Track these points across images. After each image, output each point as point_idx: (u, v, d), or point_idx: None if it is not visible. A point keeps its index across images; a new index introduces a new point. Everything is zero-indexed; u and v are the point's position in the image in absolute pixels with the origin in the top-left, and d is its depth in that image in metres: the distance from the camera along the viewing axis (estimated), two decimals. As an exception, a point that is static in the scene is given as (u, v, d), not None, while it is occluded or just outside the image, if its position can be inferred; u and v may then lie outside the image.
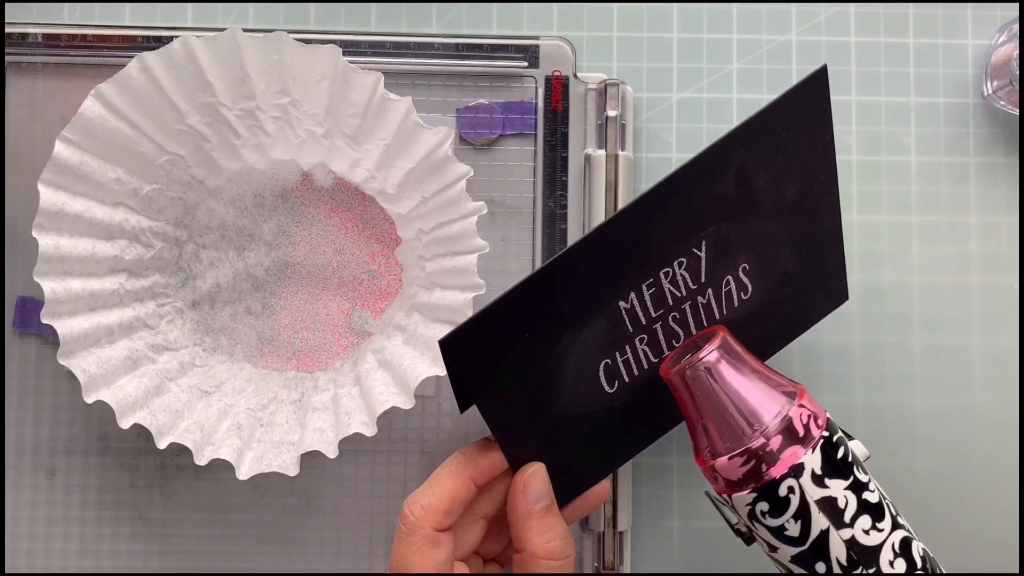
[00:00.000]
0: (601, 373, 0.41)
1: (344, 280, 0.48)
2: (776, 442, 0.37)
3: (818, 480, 0.37)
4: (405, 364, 0.44)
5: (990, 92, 0.50)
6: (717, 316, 0.42)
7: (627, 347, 0.41)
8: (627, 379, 0.41)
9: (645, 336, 0.41)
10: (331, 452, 0.43)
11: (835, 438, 0.39)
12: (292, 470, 0.43)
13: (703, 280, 0.41)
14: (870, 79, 0.51)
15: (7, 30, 0.48)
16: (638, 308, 0.40)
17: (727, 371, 0.38)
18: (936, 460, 0.49)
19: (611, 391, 0.41)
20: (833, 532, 0.37)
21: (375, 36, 0.48)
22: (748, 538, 0.40)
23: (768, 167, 0.41)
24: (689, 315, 0.41)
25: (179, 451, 0.46)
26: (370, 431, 0.43)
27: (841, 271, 0.45)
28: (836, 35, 0.51)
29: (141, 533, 0.48)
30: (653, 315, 0.41)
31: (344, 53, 0.47)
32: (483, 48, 0.49)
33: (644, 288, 0.40)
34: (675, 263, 0.40)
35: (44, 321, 0.42)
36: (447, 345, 0.38)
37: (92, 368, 0.43)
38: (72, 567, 0.47)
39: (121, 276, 0.45)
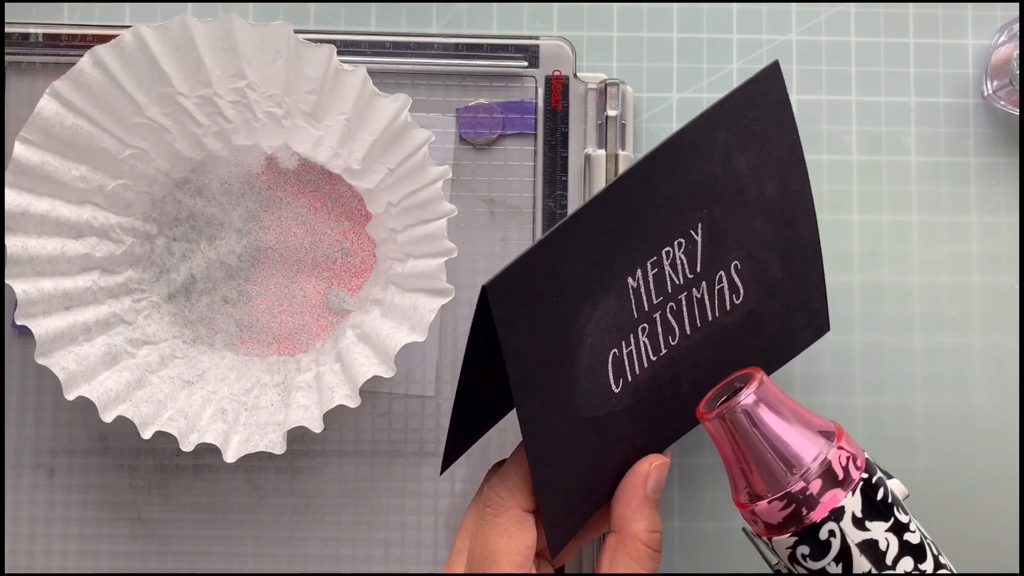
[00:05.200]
0: (609, 365, 0.40)
1: (318, 260, 0.48)
2: (816, 486, 0.37)
3: (859, 523, 0.37)
4: (384, 335, 0.44)
5: (990, 92, 0.50)
6: (710, 316, 0.42)
7: (631, 336, 0.40)
8: (629, 377, 0.40)
9: (646, 326, 0.40)
10: (316, 427, 0.43)
11: (874, 479, 0.38)
12: (279, 448, 0.43)
13: (699, 269, 0.41)
14: (870, 79, 0.51)
15: (7, 30, 0.48)
16: (642, 289, 0.40)
17: (765, 413, 0.38)
18: (936, 460, 0.49)
19: (616, 391, 0.40)
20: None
21: (375, 36, 0.48)
22: None
23: (747, 154, 0.41)
24: (684, 308, 0.41)
25: (177, 452, 0.46)
26: (353, 402, 0.43)
27: (822, 296, 0.45)
28: (836, 35, 0.51)
29: (140, 534, 0.48)
30: (655, 300, 0.40)
31: (344, 53, 0.48)
32: (483, 48, 0.49)
33: (649, 267, 0.40)
34: (675, 243, 0.40)
35: (18, 322, 0.42)
36: (497, 288, 0.35)
37: (71, 365, 0.43)
38: (72, 567, 0.47)
39: (94, 274, 0.45)
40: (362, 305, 0.47)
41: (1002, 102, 0.49)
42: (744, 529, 0.41)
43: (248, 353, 0.48)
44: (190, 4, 0.50)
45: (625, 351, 0.40)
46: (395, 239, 0.45)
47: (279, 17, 0.50)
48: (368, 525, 0.48)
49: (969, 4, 0.51)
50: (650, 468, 0.40)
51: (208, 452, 0.46)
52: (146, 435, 0.43)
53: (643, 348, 0.40)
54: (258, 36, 0.44)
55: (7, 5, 0.49)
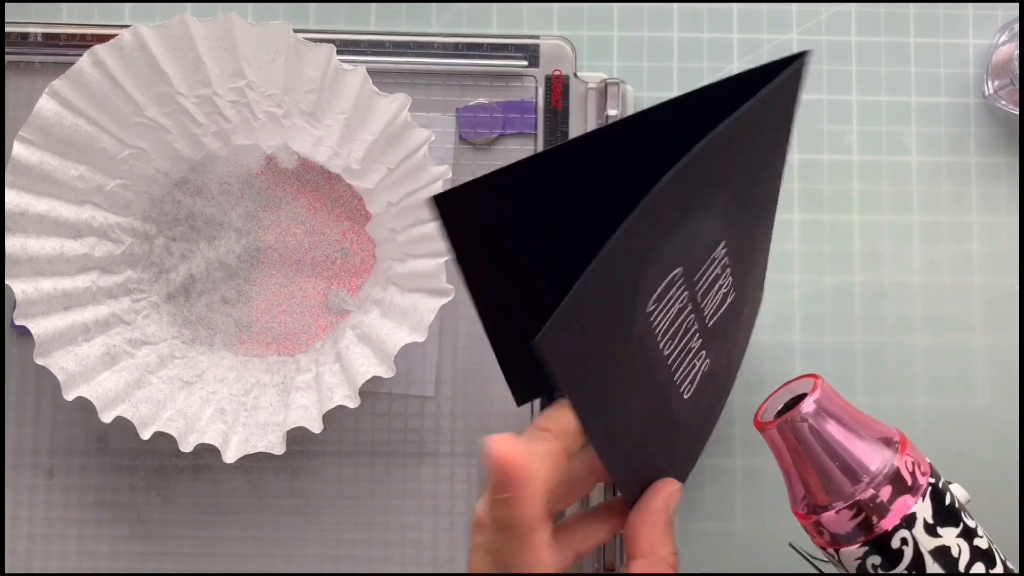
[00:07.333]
0: (664, 284, 0.34)
1: (317, 260, 0.48)
2: (886, 493, 0.36)
3: (930, 529, 0.36)
4: (383, 335, 0.44)
5: (991, 92, 0.50)
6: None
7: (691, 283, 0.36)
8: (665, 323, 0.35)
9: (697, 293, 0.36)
10: (316, 427, 0.43)
11: (940, 484, 0.38)
12: (278, 448, 0.43)
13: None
14: (871, 79, 0.50)
15: (7, 30, 0.48)
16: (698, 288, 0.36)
17: (828, 421, 0.37)
18: (936, 460, 0.49)
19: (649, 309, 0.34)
20: None
21: (375, 36, 0.48)
22: None
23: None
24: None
25: (177, 452, 0.46)
26: (353, 403, 0.43)
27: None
28: (836, 35, 0.50)
29: (140, 534, 0.48)
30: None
31: (344, 52, 0.48)
32: (483, 48, 0.49)
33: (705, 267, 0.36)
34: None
35: (17, 322, 0.42)
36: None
37: (70, 366, 0.43)
38: (71, 568, 0.47)
39: (93, 274, 0.45)
40: (362, 305, 0.47)
41: (1003, 102, 0.49)
42: (792, 544, 0.40)
43: (247, 353, 0.48)
44: (189, 4, 0.50)
45: (682, 287, 0.35)
46: (395, 239, 0.45)
47: (279, 17, 0.50)
48: (368, 525, 0.48)
49: (970, 4, 0.51)
50: (670, 492, 0.40)
51: (207, 452, 0.45)
52: (145, 436, 0.43)
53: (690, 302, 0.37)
54: (257, 35, 0.44)
55: (7, 5, 0.49)
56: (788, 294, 0.49)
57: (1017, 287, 0.50)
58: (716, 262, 0.37)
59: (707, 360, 0.40)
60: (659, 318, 0.35)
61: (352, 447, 0.48)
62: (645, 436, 0.38)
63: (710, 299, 0.38)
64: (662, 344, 0.36)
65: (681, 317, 0.37)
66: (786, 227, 0.50)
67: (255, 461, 0.48)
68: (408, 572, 0.48)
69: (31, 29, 0.48)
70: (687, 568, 0.49)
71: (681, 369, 0.38)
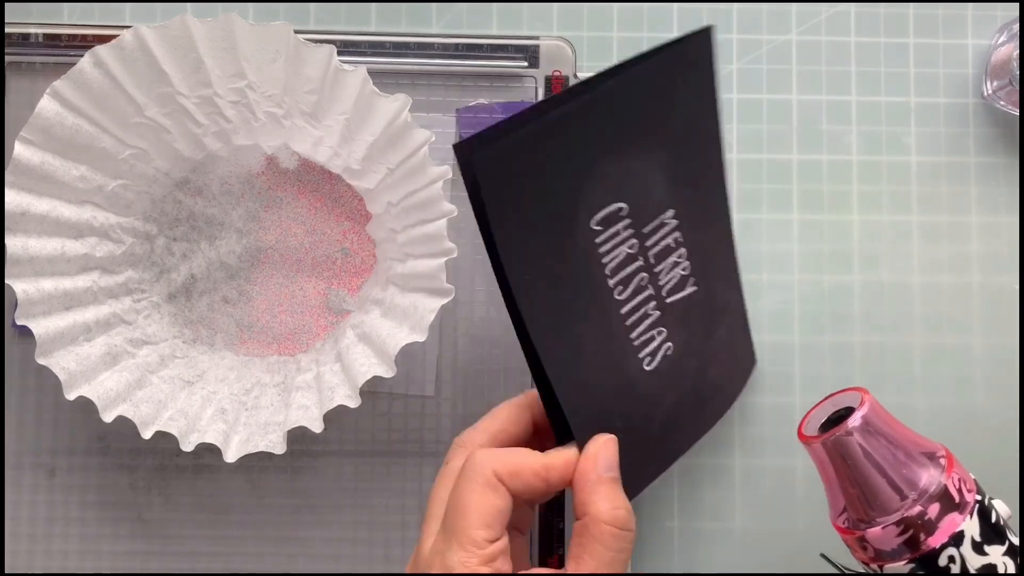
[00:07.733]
0: (608, 210, 0.36)
1: (318, 260, 0.48)
2: (934, 510, 0.36)
3: (978, 548, 0.36)
4: (384, 335, 0.44)
5: (990, 92, 0.50)
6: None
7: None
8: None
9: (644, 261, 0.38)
10: (316, 427, 0.43)
11: (986, 501, 0.37)
12: (279, 448, 0.43)
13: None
14: (870, 79, 0.51)
15: (7, 30, 0.48)
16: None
17: (875, 437, 0.37)
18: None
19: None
20: None
21: (375, 36, 0.48)
22: None
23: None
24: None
25: (177, 452, 0.46)
26: (354, 403, 0.43)
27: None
28: (836, 35, 0.51)
29: (140, 533, 0.48)
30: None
31: (344, 53, 0.48)
32: (483, 48, 0.49)
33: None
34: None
35: (19, 322, 0.42)
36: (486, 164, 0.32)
37: (71, 365, 0.43)
38: (72, 567, 0.47)
39: (94, 274, 0.45)
40: (362, 305, 0.47)
41: (1002, 102, 0.50)
42: (824, 555, 0.40)
43: (248, 353, 0.48)
44: (190, 4, 0.50)
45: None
46: (395, 239, 0.45)
47: (279, 17, 0.50)
48: (368, 525, 0.48)
49: (969, 4, 0.51)
50: (597, 448, 0.39)
51: (208, 452, 0.46)
52: (146, 435, 0.43)
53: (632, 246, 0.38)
54: (258, 36, 0.44)
55: (7, 5, 0.49)
56: (788, 294, 0.50)
57: (1017, 287, 0.50)
58: (667, 228, 0.39)
59: (669, 343, 0.41)
60: (606, 247, 0.37)
61: (353, 447, 0.48)
62: (597, 379, 0.38)
63: (665, 269, 0.40)
64: (613, 283, 0.37)
65: (633, 267, 0.38)
66: (786, 227, 0.50)
67: (256, 460, 0.48)
68: (407, 572, 0.48)
69: (32, 30, 0.48)
70: (687, 568, 0.49)
71: (639, 331, 0.39)
